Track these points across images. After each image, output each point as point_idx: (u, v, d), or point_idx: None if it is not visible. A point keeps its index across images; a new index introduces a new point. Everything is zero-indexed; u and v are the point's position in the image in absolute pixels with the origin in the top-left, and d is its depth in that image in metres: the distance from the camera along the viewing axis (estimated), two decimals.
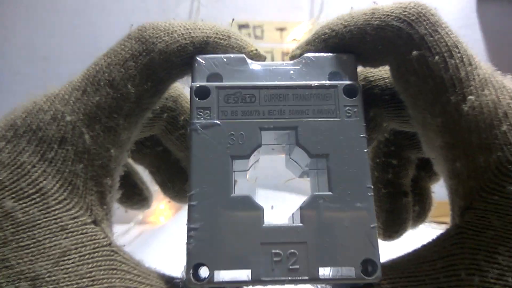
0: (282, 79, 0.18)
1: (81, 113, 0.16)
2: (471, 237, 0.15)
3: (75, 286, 0.14)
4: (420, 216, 0.23)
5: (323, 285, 0.16)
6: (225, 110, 0.17)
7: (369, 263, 0.15)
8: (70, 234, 0.15)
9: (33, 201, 0.15)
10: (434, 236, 0.16)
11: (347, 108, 0.17)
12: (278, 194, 0.75)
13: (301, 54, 0.19)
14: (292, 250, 0.15)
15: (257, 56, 0.19)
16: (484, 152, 0.15)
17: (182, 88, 0.22)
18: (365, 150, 0.17)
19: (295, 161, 0.19)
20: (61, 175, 0.15)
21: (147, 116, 0.19)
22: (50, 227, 0.14)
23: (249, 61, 0.18)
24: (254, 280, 0.15)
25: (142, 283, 0.15)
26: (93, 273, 0.14)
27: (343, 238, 0.16)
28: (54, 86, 0.17)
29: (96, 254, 0.15)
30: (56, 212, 0.15)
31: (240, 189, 0.17)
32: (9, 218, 0.14)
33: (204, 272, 0.15)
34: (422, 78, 0.16)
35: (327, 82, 0.18)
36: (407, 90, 0.17)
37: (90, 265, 0.14)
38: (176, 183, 0.24)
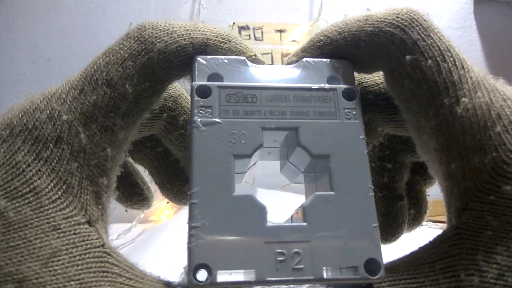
0: (282, 81, 0.18)
1: (77, 112, 0.16)
2: (469, 237, 0.15)
3: None
4: (416, 219, 0.23)
5: (324, 285, 0.16)
6: (226, 109, 0.17)
7: (372, 263, 0.15)
8: (61, 234, 0.14)
9: (26, 200, 0.14)
10: (432, 238, 0.16)
11: (347, 110, 0.18)
12: (277, 193, 0.75)
13: (297, 61, 0.19)
14: (296, 250, 0.15)
15: (256, 61, 0.19)
16: (478, 153, 0.15)
17: (182, 88, 0.22)
18: (365, 152, 0.17)
19: (293, 164, 0.19)
20: (56, 174, 0.15)
21: (146, 116, 0.19)
22: (42, 226, 0.14)
23: (249, 63, 0.18)
24: (258, 281, 0.15)
25: (134, 287, 0.15)
26: (82, 276, 0.14)
27: (347, 238, 0.15)
28: (52, 86, 0.17)
29: (87, 256, 0.14)
30: (49, 211, 0.15)
31: (239, 190, 0.16)
32: (1, 218, 0.14)
33: (206, 272, 0.14)
34: (415, 82, 0.16)
35: (327, 85, 0.18)
36: (401, 94, 0.17)
37: (79, 267, 0.14)
38: (174, 184, 0.24)
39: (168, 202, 0.91)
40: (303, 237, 0.15)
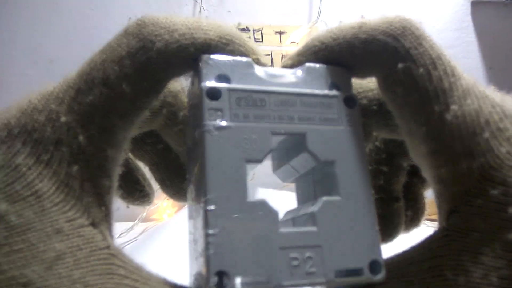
0: (288, 86, 0.18)
1: (75, 113, 0.16)
2: (457, 239, 0.15)
3: None
4: (413, 220, 0.24)
5: (332, 286, 0.16)
6: (237, 113, 0.17)
7: (375, 264, 0.16)
8: (65, 237, 0.14)
9: (28, 204, 0.14)
10: (423, 238, 0.16)
11: (348, 117, 0.18)
12: (277, 193, 0.75)
13: (292, 65, 0.19)
14: (308, 254, 0.16)
15: (259, 64, 0.19)
16: (467, 159, 0.15)
17: (181, 84, 0.22)
18: (365, 158, 0.18)
19: (293, 167, 0.19)
20: (57, 177, 0.15)
21: (145, 114, 0.18)
22: (45, 230, 0.14)
23: (255, 65, 0.18)
24: (275, 285, 0.15)
25: None
26: (87, 278, 0.14)
27: (354, 241, 0.16)
28: (50, 83, 0.17)
29: (92, 258, 0.14)
30: (52, 214, 0.14)
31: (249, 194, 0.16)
32: (2, 222, 0.14)
33: (225, 279, 0.14)
34: (407, 89, 0.16)
35: (330, 92, 0.18)
36: (394, 101, 0.17)
37: (84, 270, 0.14)
38: (174, 181, 0.23)
39: (168, 199, 0.92)
40: (315, 242, 0.16)
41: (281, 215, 0.17)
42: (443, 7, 1.05)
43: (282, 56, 0.97)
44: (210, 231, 0.15)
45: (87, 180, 0.16)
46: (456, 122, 0.15)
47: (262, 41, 0.98)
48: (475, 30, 1.06)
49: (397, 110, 0.17)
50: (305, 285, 0.15)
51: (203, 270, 0.15)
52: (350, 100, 0.18)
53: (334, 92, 0.18)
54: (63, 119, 0.15)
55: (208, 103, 0.16)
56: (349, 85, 0.19)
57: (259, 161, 0.17)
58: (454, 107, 0.15)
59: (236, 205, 0.15)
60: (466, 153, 0.15)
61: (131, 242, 0.75)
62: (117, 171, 0.17)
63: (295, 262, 0.15)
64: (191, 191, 0.17)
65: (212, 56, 0.17)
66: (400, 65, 0.16)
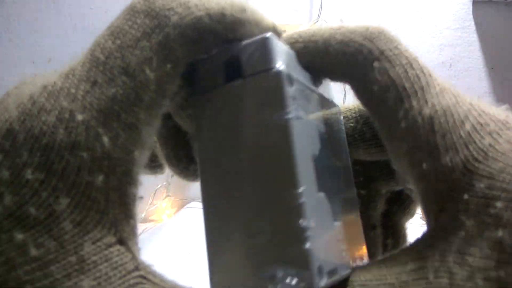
0: (309, 83, 0.18)
1: (94, 109, 0.13)
2: (443, 238, 0.14)
3: None
4: (395, 249, 0.23)
5: None
6: (303, 104, 0.16)
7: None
8: (92, 267, 0.12)
9: (45, 229, 0.12)
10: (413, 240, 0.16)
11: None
12: None
13: None
14: None
15: (276, 32, 0.18)
16: (449, 152, 0.15)
17: None
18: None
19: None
20: (77, 190, 0.13)
21: (166, 104, 0.16)
22: (69, 260, 0.12)
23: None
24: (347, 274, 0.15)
25: None
26: None
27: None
28: (46, 75, 0.15)
29: (122, 287, 0.13)
30: (74, 238, 0.12)
31: None
32: (21, 254, 0.12)
33: (323, 273, 0.14)
34: (384, 87, 0.16)
35: (330, 98, 0.18)
36: (370, 101, 0.17)
37: None
38: (181, 161, 0.21)
39: (171, 199, 0.91)
40: None
41: None
42: (445, 6, 1.05)
43: None
44: (306, 224, 0.14)
45: (113, 189, 0.13)
46: (435, 115, 0.15)
47: None
48: (477, 29, 1.06)
49: (374, 111, 0.17)
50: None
51: (301, 266, 0.13)
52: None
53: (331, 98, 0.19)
54: (79, 117, 0.13)
55: (288, 90, 0.15)
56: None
57: (314, 158, 0.16)
58: (433, 100, 0.15)
59: (319, 197, 0.15)
60: (448, 146, 0.15)
61: None
62: (140, 175, 0.15)
63: None
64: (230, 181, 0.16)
65: (276, 39, 0.16)
66: (375, 64, 0.16)
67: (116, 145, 0.14)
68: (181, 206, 0.94)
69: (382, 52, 0.16)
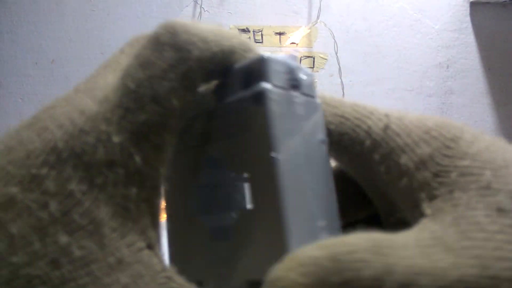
0: None
1: (128, 132, 0.15)
2: (440, 219, 0.15)
3: None
4: None
5: None
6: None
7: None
8: (127, 266, 0.14)
9: (87, 233, 0.14)
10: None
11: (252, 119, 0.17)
12: None
13: None
14: None
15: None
16: (425, 144, 0.16)
17: None
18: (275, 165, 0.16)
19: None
20: (114, 201, 0.15)
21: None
22: (108, 260, 0.14)
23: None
24: None
25: None
26: None
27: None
28: (89, 102, 0.16)
29: (152, 285, 0.14)
30: (113, 242, 0.14)
31: None
32: (66, 255, 0.13)
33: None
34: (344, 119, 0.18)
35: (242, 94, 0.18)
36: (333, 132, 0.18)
37: None
38: None
39: None
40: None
41: None
42: (442, 8, 1.06)
43: None
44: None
45: (144, 201, 0.15)
46: (399, 134, 0.17)
47: (262, 42, 0.98)
48: (474, 31, 1.07)
49: (339, 146, 0.18)
50: None
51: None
52: (257, 96, 0.16)
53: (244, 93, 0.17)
54: (115, 139, 0.15)
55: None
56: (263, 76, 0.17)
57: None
58: (394, 121, 0.17)
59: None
60: (423, 139, 0.16)
61: None
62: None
63: None
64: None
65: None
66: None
67: (146, 163, 0.15)
68: None
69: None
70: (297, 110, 0.17)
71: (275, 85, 0.16)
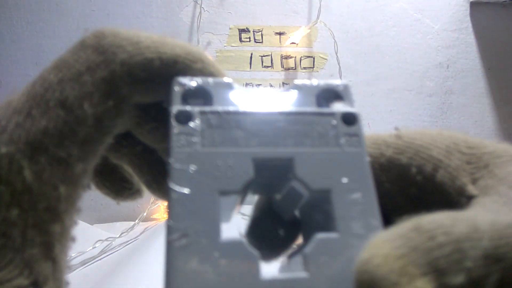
0: (273, 106, 0.16)
1: (21, 142, 0.13)
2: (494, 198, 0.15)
3: None
4: None
5: None
6: (212, 137, 0.15)
7: None
8: None
9: None
10: None
11: (347, 137, 0.16)
12: None
13: None
14: None
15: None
16: (451, 157, 0.16)
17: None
18: (371, 184, 0.15)
19: (283, 200, 0.17)
20: None
21: (109, 142, 0.16)
22: None
23: (236, 86, 0.16)
24: None
25: None
26: None
27: (350, 286, 0.13)
28: None
29: None
30: None
31: (226, 232, 0.14)
32: None
33: None
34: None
35: (325, 109, 0.16)
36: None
37: None
38: (161, 183, 0.21)
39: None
40: None
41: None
42: (442, 8, 1.06)
43: (282, 57, 0.98)
44: (174, 270, 0.12)
45: (32, 226, 0.13)
46: (403, 155, 0.17)
47: (262, 41, 0.98)
48: (474, 30, 1.07)
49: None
50: None
51: None
52: (349, 117, 0.16)
53: (329, 110, 0.16)
54: (3, 150, 0.13)
55: (176, 127, 0.15)
56: (350, 100, 0.17)
57: (236, 192, 0.14)
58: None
59: (206, 244, 0.13)
60: (438, 140, 0.17)
61: (132, 242, 0.75)
62: (74, 213, 0.15)
63: None
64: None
65: (185, 78, 0.16)
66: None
67: (39, 180, 0.13)
68: None
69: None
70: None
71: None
